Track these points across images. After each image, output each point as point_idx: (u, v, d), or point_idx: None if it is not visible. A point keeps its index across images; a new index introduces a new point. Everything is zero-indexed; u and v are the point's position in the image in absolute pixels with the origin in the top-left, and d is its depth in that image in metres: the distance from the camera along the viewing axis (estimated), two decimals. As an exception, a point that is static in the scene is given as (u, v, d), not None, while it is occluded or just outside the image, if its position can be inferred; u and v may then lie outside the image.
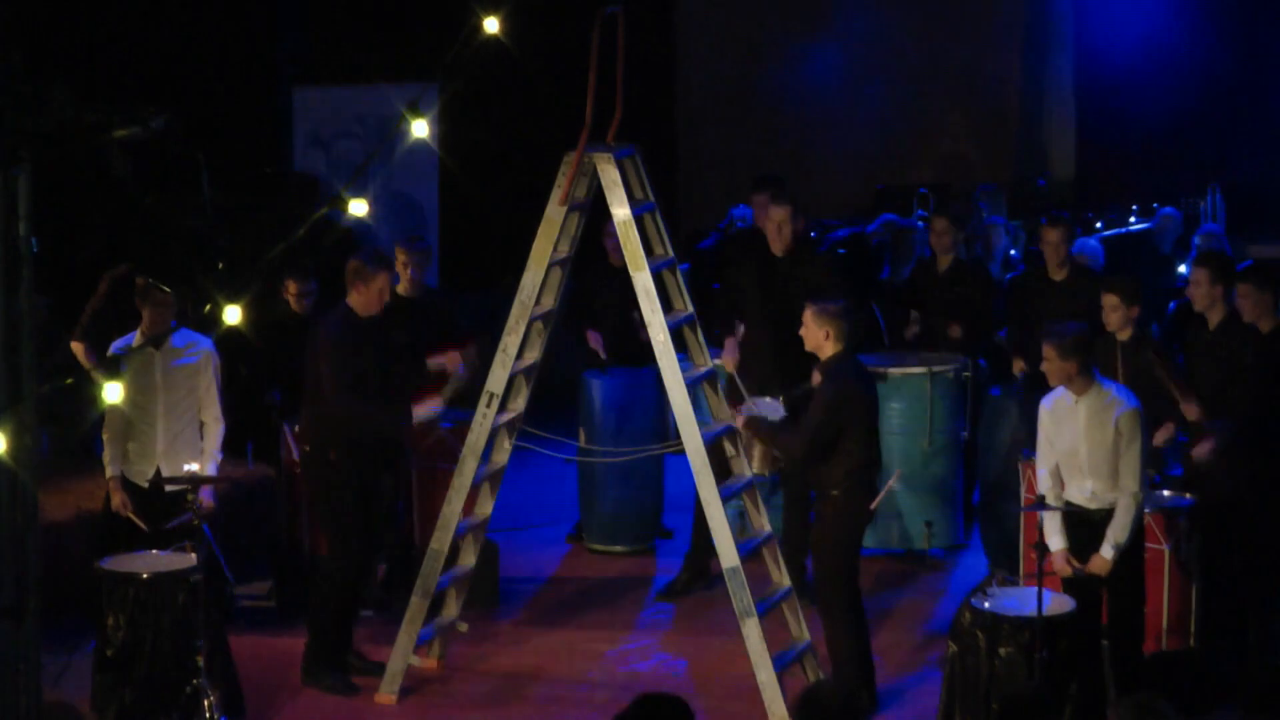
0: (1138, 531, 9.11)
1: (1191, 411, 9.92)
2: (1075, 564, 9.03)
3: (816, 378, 9.78)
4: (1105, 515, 9.05)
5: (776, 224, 11.03)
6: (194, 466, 9.59)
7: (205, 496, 9.56)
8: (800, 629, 9.82)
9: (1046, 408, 9.27)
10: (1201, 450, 9.89)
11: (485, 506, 10.16)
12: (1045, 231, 11.74)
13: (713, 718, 9.57)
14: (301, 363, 11.15)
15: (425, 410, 10.59)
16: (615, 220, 9.50)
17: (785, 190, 11.58)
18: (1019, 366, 11.65)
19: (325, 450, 9.92)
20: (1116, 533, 8.97)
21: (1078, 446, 9.08)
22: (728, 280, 11.43)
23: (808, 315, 9.55)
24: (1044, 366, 9.16)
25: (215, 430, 9.91)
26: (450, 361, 11.20)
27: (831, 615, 9.57)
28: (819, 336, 9.51)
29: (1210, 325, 10.17)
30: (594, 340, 12.31)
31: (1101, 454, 9.01)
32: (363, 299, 9.92)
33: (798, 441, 9.58)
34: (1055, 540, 9.02)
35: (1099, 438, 9.01)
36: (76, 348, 11.00)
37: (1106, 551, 8.97)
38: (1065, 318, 9.77)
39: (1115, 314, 10.22)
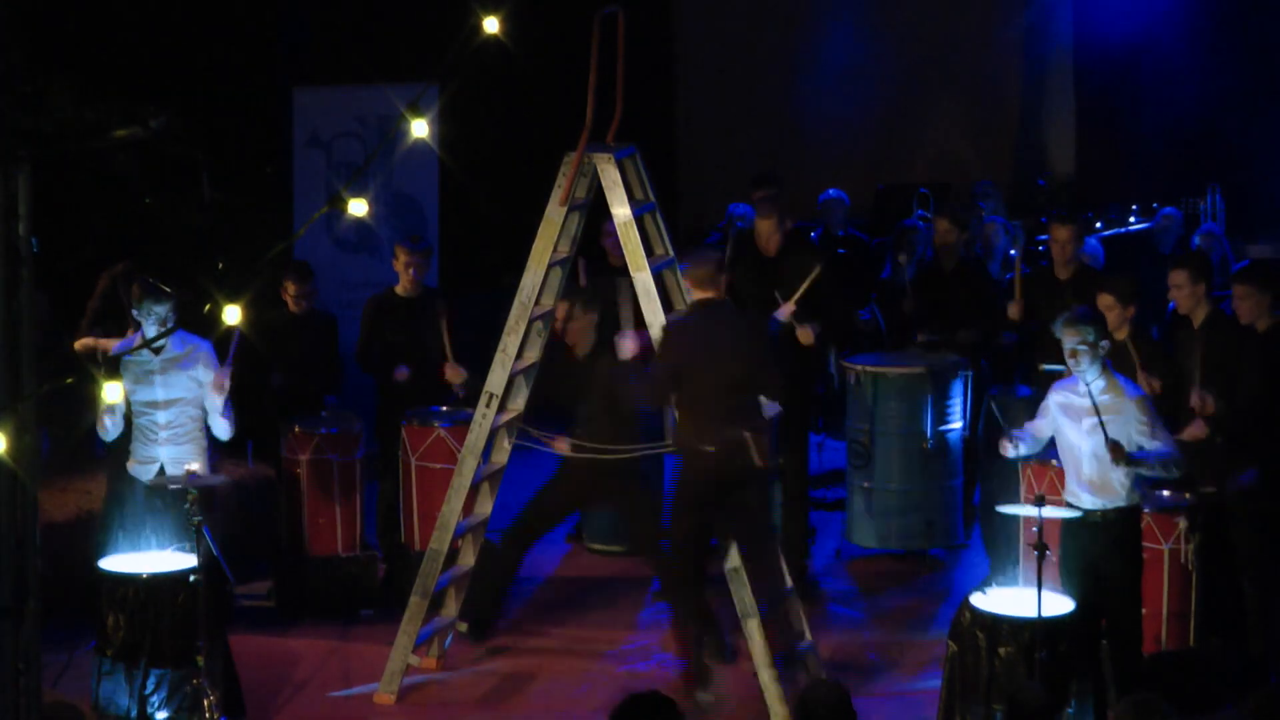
0: (1135, 532, 9.10)
1: (1191, 433, 9.92)
2: (1015, 446, 9.11)
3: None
4: (1102, 516, 9.01)
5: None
6: (195, 466, 9.60)
7: (211, 475, 9.60)
8: (802, 629, 9.82)
9: (1059, 392, 9.18)
10: (1193, 431, 9.88)
11: (485, 506, 10.16)
12: (1055, 229, 11.65)
13: (713, 718, 9.57)
14: (297, 363, 11.14)
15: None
16: (615, 220, 9.50)
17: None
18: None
19: None
20: (1154, 457, 8.88)
21: (1080, 441, 9.04)
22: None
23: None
24: (1076, 358, 9.00)
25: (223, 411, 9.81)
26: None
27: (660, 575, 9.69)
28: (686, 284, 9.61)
29: (1195, 325, 10.18)
30: None
31: (1116, 447, 8.92)
32: None
33: (646, 386, 9.66)
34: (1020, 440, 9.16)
35: (1120, 429, 8.88)
36: (86, 343, 10.98)
37: (1130, 455, 8.85)
38: None
39: (1110, 314, 10.21)
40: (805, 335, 11.07)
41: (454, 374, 11.27)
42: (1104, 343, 9.00)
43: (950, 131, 17.67)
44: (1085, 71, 17.49)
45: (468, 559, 10.22)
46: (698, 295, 9.44)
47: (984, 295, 12.15)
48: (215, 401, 9.71)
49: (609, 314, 12.22)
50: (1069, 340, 8.99)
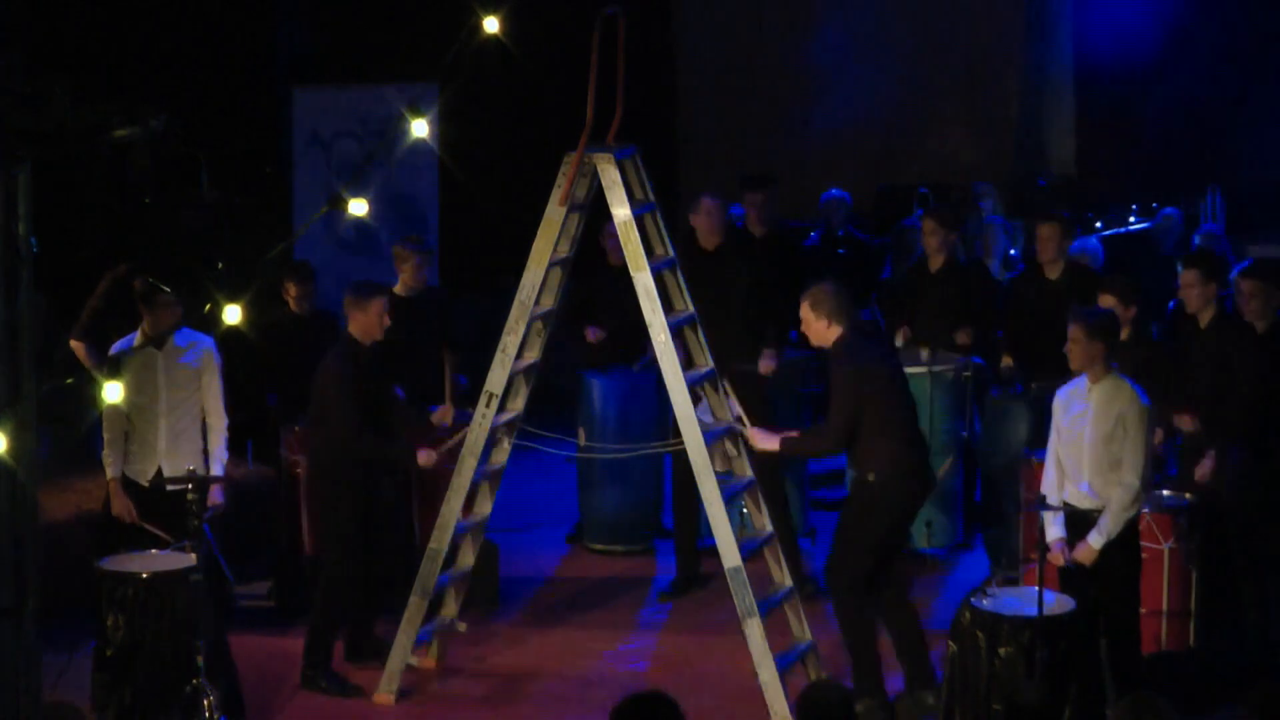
0: (1133, 531, 9.10)
1: (1186, 422, 9.92)
2: (1069, 555, 9.02)
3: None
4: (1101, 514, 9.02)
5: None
6: (194, 467, 9.59)
7: (215, 496, 9.65)
8: (802, 629, 9.82)
9: (1060, 398, 9.22)
10: (1204, 470, 9.89)
11: (484, 506, 10.16)
12: (1039, 228, 11.76)
13: (713, 718, 9.57)
14: (299, 364, 11.16)
15: (425, 457, 10.35)
16: (615, 220, 9.49)
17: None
18: (1006, 362, 11.65)
19: (333, 470, 9.95)
20: (1106, 523, 8.91)
21: (1081, 439, 9.04)
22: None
23: (803, 309, 9.49)
24: (1069, 347, 9.03)
25: (219, 429, 9.92)
26: (444, 415, 11.26)
27: (838, 610, 9.52)
28: (819, 326, 9.46)
29: (1202, 324, 10.18)
30: (592, 334, 12.33)
31: (1103, 445, 8.96)
32: (362, 326, 9.95)
33: (825, 435, 9.55)
34: (1054, 530, 9.00)
35: (1104, 428, 8.95)
36: (77, 347, 10.99)
37: (1094, 540, 8.91)
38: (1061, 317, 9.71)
39: (1111, 315, 10.21)
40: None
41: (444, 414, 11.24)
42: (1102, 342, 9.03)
43: (950, 131, 17.65)
44: (1085, 71, 17.49)
45: (467, 559, 10.22)
46: (842, 325, 9.35)
47: (973, 296, 12.13)
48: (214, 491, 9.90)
49: (610, 314, 12.23)
50: (1073, 330, 9.00)
